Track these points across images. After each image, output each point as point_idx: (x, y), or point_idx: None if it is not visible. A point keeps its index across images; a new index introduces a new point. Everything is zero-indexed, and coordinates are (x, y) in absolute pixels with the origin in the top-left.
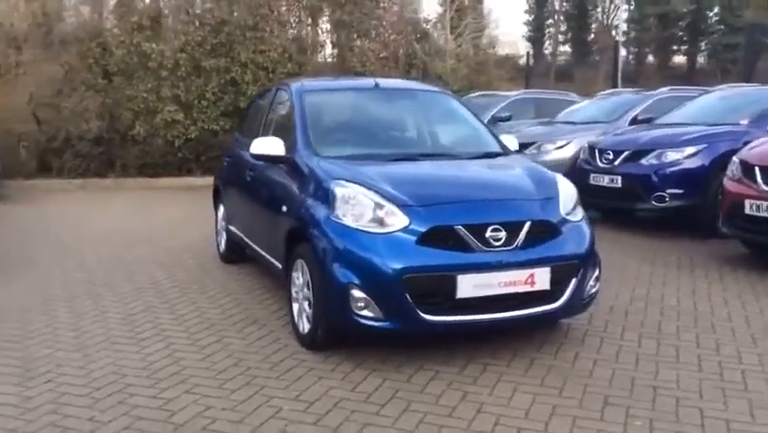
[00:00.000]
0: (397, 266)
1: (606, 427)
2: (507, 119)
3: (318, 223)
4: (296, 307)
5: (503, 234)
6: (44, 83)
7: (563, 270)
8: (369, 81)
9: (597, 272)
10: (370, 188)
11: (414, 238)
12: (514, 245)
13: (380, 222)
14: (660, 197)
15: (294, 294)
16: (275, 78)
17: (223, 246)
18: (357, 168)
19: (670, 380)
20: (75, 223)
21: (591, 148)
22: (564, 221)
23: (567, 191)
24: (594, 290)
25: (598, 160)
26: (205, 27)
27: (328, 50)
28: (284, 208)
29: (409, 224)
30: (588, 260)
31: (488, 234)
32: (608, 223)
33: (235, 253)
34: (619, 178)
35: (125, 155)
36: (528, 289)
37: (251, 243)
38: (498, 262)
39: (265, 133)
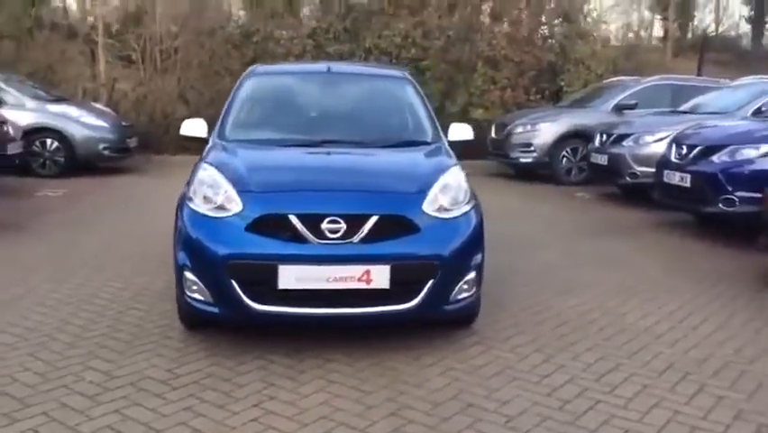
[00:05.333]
0: (222, 252)
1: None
2: (633, 107)
3: (181, 204)
4: None
5: (342, 227)
6: (193, 67)
7: (412, 269)
8: (322, 66)
9: (471, 275)
10: (224, 173)
11: (244, 224)
12: (353, 239)
13: (222, 207)
14: (729, 200)
15: None
16: (398, 63)
17: None
18: (238, 152)
19: (504, 400)
20: (171, 196)
21: (670, 142)
22: (428, 218)
23: (448, 186)
24: (466, 294)
25: (672, 155)
26: (333, 13)
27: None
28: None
29: (242, 210)
30: (453, 261)
31: (324, 225)
32: (681, 226)
33: None
34: (688, 176)
35: None
36: (363, 286)
37: None
38: (327, 255)
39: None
